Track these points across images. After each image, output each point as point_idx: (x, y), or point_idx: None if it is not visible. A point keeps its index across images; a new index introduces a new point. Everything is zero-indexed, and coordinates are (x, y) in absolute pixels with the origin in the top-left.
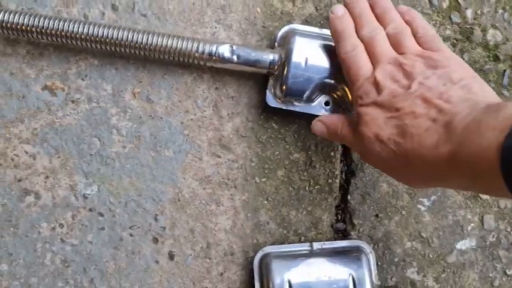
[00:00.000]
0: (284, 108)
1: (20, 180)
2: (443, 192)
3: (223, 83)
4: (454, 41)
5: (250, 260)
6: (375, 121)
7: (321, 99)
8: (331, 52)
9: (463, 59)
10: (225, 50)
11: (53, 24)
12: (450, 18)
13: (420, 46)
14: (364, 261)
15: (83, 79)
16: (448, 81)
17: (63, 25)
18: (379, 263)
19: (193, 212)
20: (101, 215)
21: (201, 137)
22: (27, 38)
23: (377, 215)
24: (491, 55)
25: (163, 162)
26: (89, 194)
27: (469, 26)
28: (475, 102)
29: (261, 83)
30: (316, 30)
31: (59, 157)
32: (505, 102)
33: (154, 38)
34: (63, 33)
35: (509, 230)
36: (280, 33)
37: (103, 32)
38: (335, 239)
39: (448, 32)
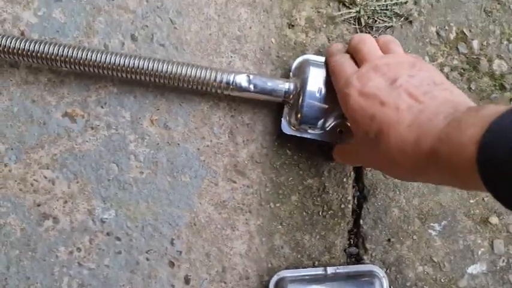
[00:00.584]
0: (298, 135)
1: (39, 205)
2: (454, 217)
3: (239, 111)
4: (462, 70)
5: (265, 284)
6: (361, 111)
7: (335, 126)
8: None
9: (471, 88)
10: (242, 80)
11: (75, 53)
12: (457, 49)
13: None
14: (378, 285)
15: (102, 106)
16: (431, 83)
17: (85, 54)
18: (391, 287)
19: (209, 236)
20: (118, 239)
21: (216, 163)
22: (48, 66)
23: (389, 240)
24: (497, 84)
25: (180, 188)
26: (107, 219)
27: (475, 56)
28: (457, 103)
29: (275, 110)
30: None
31: (77, 182)
32: (485, 104)
33: (174, 67)
34: (85, 62)
35: None
36: (295, 64)
37: (124, 61)
38: (348, 264)
39: (455, 62)
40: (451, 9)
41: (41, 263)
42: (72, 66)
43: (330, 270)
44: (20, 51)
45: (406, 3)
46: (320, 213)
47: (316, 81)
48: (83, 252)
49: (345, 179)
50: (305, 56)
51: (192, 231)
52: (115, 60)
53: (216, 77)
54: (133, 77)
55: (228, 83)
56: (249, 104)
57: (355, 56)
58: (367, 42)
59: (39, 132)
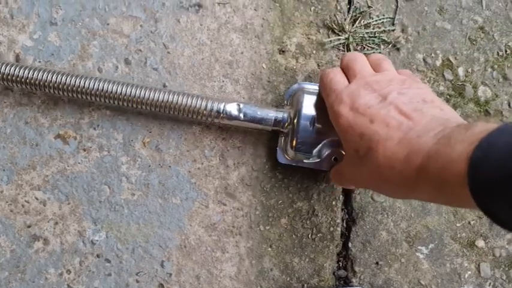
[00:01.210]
0: (294, 164)
1: (29, 226)
2: (441, 240)
3: (230, 134)
4: (448, 96)
5: None
6: (351, 128)
7: (330, 154)
8: None
9: None
10: (232, 108)
11: (65, 80)
12: (443, 76)
13: None
14: None
15: (95, 128)
16: (421, 100)
17: (75, 81)
18: None
19: (199, 258)
20: (108, 261)
21: (207, 185)
22: (40, 92)
23: (377, 263)
24: (482, 110)
25: (171, 210)
26: (97, 240)
27: (461, 83)
28: (447, 120)
29: (266, 134)
30: None
31: (68, 203)
32: (475, 122)
33: (165, 95)
34: (76, 89)
35: (504, 278)
36: (289, 92)
37: (115, 89)
38: (337, 286)
39: (441, 88)
40: (437, 37)
41: (30, 285)
42: (62, 93)
43: None
44: (10, 78)
45: (393, 30)
46: (309, 236)
47: (310, 110)
48: (73, 274)
49: (334, 202)
50: (299, 84)
51: (182, 253)
52: (106, 88)
53: (206, 105)
54: (124, 104)
55: (218, 112)
56: (240, 127)
57: (347, 73)
58: (359, 60)
59: (31, 154)
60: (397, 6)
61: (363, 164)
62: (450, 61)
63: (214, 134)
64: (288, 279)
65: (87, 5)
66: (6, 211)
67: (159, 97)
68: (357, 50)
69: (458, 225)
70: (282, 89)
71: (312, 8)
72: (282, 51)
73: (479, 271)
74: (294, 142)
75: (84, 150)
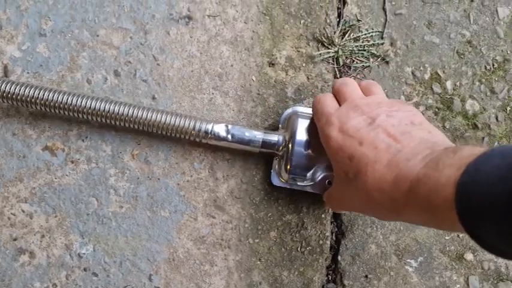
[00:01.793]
0: (288, 187)
1: (15, 239)
2: (430, 253)
3: (219, 147)
4: (436, 109)
5: None
6: (340, 150)
7: (324, 178)
8: None
9: (445, 127)
10: (220, 129)
11: (50, 96)
12: (432, 89)
13: None
14: None
15: (83, 140)
16: (409, 123)
17: (60, 97)
18: None
19: (187, 272)
20: (95, 274)
21: (196, 198)
22: (26, 108)
23: (366, 276)
24: (470, 123)
25: (159, 222)
26: (84, 254)
27: (449, 96)
28: (435, 143)
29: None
30: None
31: (55, 216)
32: (462, 145)
33: (153, 114)
34: (58, 105)
35: None
36: (283, 115)
37: (102, 106)
38: None
39: (430, 101)
40: (426, 51)
41: None
42: (48, 109)
43: None
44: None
45: (382, 44)
46: (298, 249)
47: (304, 134)
48: None
49: (323, 215)
50: (294, 108)
51: (171, 266)
52: (93, 105)
53: (194, 125)
54: (111, 122)
55: (206, 132)
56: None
57: (338, 97)
58: (349, 84)
59: (18, 166)
60: (386, 20)
61: (352, 186)
62: (438, 74)
63: (204, 146)
64: None
65: (77, 17)
66: None
67: (147, 116)
68: (346, 63)
69: (447, 238)
70: (272, 102)
71: (302, 21)
72: (271, 64)
73: (468, 284)
74: (289, 165)
75: (72, 162)
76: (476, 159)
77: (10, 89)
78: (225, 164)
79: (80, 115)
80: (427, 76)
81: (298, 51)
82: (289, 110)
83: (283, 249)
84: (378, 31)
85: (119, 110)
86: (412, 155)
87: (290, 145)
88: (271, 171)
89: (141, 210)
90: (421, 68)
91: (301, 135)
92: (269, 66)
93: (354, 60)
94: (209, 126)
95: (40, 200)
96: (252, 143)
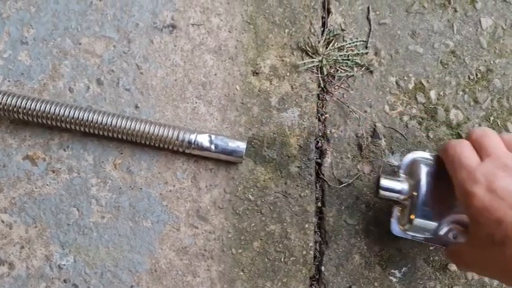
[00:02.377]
0: (410, 238)
1: None
2: (414, 263)
3: (203, 156)
4: (420, 119)
5: None
6: (486, 211)
7: (449, 231)
8: None
9: (429, 137)
10: (203, 139)
11: (32, 105)
12: (416, 99)
13: None
14: None
15: (64, 149)
16: None
17: (42, 106)
18: None
19: (169, 283)
20: (76, 286)
21: (179, 208)
22: (6, 117)
23: (350, 287)
24: (454, 133)
25: (141, 233)
26: (64, 265)
27: (433, 106)
28: None
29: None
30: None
31: (36, 227)
32: None
33: (136, 124)
34: (40, 114)
35: None
36: (404, 161)
37: (85, 116)
38: None
39: (414, 111)
40: (410, 61)
41: None
42: (29, 118)
43: None
44: None
45: (367, 53)
46: (282, 260)
47: (431, 184)
48: None
49: (306, 225)
50: (414, 155)
51: (153, 277)
52: (76, 115)
53: (178, 135)
54: (94, 132)
55: (189, 142)
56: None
57: (478, 149)
58: (492, 137)
59: None
60: (370, 30)
61: (496, 251)
62: (422, 84)
63: (187, 155)
64: None
65: (59, 25)
66: None
67: (129, 126)
68: (330, 72)
69: (431, 248)
70: (256, 111)
71: (286, 31)
72: (255, 73)
73: None
74: (413, 215)
75: (53, 171)
76: None
77: None
78: (208, 173)
79: (62, 124)
80: (411, 86)
81: (283, 60)
82: (409, 156)
83: (266, 259)
84: (362, 40)
85: (101, 120)
86: None
87: (415, 195)
88: (392, 220)
89: (123, 221)
90: (405, 78)
91: (428, 185)
92: (253, 76)
93: (338, 70)
94: (192, 137)
95: (20, 210)
96: (235, 153)
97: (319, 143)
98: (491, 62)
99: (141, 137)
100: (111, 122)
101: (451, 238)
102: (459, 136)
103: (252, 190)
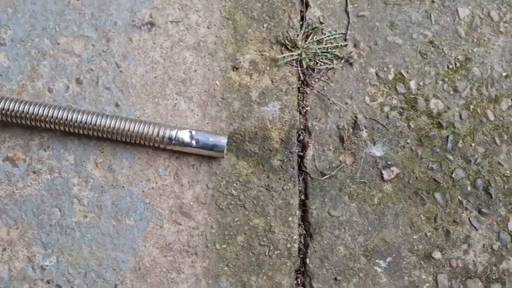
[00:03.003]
0: None
1: None
2: (398, 253)
3: (184, 152)
4: (401, 109)
5: None
6: None
7: None
8: None
9: (410, 127)
10: (184, 135)
11: (10, 106)
12: (396, 89)
13: None
14: None
15: (45, 150)
16: None
17: (21, 107)
18: None
19: (154, 280)
20: (59, 286)
21: (162, 205)
22: None
23: (335, 278)
24: (434, 122)
25: (125, 231)
26: (47, 266)
27: (413, 96)
28: None
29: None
30: None
31: (17, 228)
32: None
33: (116, 122)
34: (21, 115)
35: None
36: None
37: (65, 115)
38: None
39: (394, 101)
40: (389, 52)
41: None
42: (10, 119)
43: None
44: None
45: (346, 46)
46: (266, 254)
47: None
48: None
49: (290, 218)
50: None
51: (137, 275)
52: (56, 114)
53: (158, 132)
54: (74, 131)
55: (170, 139)
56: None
57: None
58: None
59: None
60: (348, 22)
61: None
62: (402, 75)
63: (168, 152)
64: None
65: (37, 25)
66: None
67: (110, 124)
68: (310, 65)
69: (415, 237)
70: (236, 106)
71: (265, 25)
72: (235, 68)
73: (437, 283)
74: None
75: (34, 172)
76: None
77: None
78: (191, 169)
79: (42, 124)
80: (390, 77)
81: (262, 54)
82: None
83: (251, 254)
84: (341, 33)
85: (81, 119)
86: None
87: None
88: None
89: (105, 219)
90: (385, 69)
91: None
92: (233, 71)
93: (317, 63)
94: (173, 133)
95: (1, 212)
96: (216, 148)
97: (301, 136)
98: (470, 51)
99: (121, 135)
100: (91, 120)
101: None
102: (440, 126)
103: (234, 185)
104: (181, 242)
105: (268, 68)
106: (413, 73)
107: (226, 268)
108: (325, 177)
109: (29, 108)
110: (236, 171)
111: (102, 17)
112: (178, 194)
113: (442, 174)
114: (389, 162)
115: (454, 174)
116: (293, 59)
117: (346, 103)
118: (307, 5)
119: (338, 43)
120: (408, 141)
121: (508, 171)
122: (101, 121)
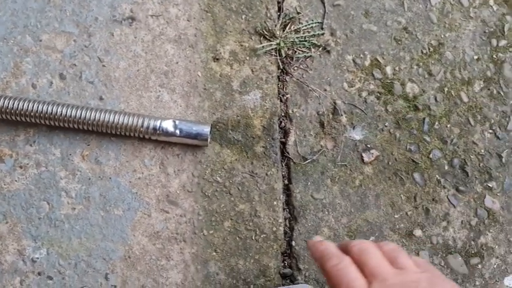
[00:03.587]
0: None
1: None
2: (381, 232)
3: (169, 142)
4: (378, 94)
5: None
6: None
7: None
8: None
9: (387, 110)
10: (168, 125)
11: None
12: (373, 75)
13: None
14: None
15: (31, 145)
16: None
17: (6, 103)
18: None
19: (144, 268)
20: (50, 278)
21: (149, 195)
22: None
23: None
24: (411, 105)
25: (113, 221)
26: (38, 258)
27: (389, 81)
28: None
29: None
30: None
31: (6, 222)
32: None
33: (101, 114)
34: (6, 110)
35: (443, 264)
36: None
37: (49, 109)
38: (283, 285)
39: (371, 86)
40: (365, 39)
41: None
42: None
43: None
44: None
45: (323, 34)
46: (253, 238)
47: None
48: None
49: (275, 202)
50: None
51: (127, 264)
52: (40, 109)
53: (142, 123)
54: (59, 124)
55: (154, 129)
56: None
57: (361, 268)
58: (372, 254)
59: None
60: (325, 11)
61: None
62: (378, 61)
63: (153, 143)
64: (234, 282)
65: (19, 23)
66: None
67: (94, 116)
68: (288, 54)
69: (396, 216)
70: (218, 96)
71: (243, 16)
72: (216, 59)
73: None
74: None
75: (21, 167)
76: None
77: None
78: (176, 159)
79: (27, 119)
80: (367, 63)
81: (242, 45)
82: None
83: (237, 238)
84: (318, 22)
85: (66, 112)
86: None
87: None
88: None
89: (94, 211)
90: (361, 56)
91: None
92: (214, 62)
93: (296, 51)
94: (157, 123)
95: None
96: (200, 137)
97: (282, 123)
98: (442, 36)
99: (106, 127)
100: (76, 113)
101: None
102: (416, 109)
103: (219, 172)
104: (170, 229)
105: (248, 58)
106: (389, 59)
107: (214, 253)
108: (307, 161)
109: (13, 104)
110: (220, 159)
111: (83, 13)
112: (164, 183)
113: (420, 155)
114: (368, 145)
115: (431, 155)
116: (272, 49)
117: (325, 90)
118: None
119: (315, 32)
120: (386, 124)
121: (482, 150)
122: (86, 114)
